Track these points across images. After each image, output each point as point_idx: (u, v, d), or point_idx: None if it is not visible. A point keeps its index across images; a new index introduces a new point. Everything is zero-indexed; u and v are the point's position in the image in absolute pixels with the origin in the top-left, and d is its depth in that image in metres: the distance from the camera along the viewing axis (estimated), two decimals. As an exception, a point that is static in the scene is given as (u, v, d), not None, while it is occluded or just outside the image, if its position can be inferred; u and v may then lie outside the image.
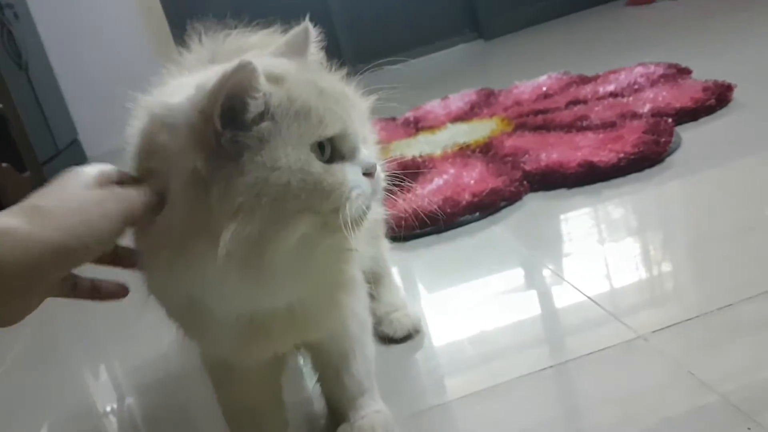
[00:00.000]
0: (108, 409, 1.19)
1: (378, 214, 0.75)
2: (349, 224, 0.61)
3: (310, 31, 0.70)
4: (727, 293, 0.99)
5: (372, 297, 1.04)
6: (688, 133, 1.67)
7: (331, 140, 0.61)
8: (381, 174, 0.66)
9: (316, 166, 0.60)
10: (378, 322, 1.08)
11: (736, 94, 1.79)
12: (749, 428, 0.74)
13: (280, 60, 0.66)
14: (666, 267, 1.18)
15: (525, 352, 0.99)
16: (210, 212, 0.58)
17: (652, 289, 1.11)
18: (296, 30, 0.71)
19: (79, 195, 0.58)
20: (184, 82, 0.64)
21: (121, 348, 1.38)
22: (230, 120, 0.58)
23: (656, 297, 1.09)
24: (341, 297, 0.75)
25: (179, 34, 0.93)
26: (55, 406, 1.21)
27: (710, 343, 0.91)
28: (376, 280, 1.06)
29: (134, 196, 0.61)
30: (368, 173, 0.64)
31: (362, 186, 0.63)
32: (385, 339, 1.08)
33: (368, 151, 0.66)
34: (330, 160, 0.62)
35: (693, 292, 1.09)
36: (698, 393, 0.81)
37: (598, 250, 1.27)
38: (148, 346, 1.30)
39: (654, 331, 0.95)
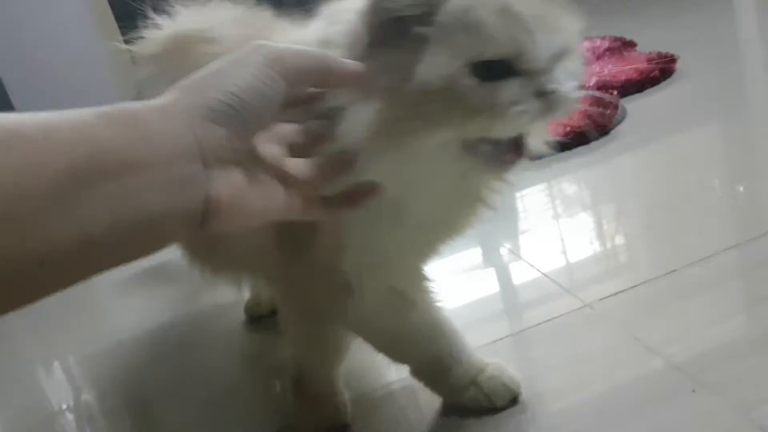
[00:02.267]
0: (62, 401, 1.17)
1: None
2: (502, 131, 0.59)
3: None
4: (672, 259, 1.03)
5: None
6: (633, 105, 1.71)
7: (503, 61, 0.57)
8: (567, 95, 0.59)
9: (466, 80, 0.56)
10: None
11: (679, 65, 1.83)
12: (693, 390, 0.77)
13: None
14: (616, 239, 1.21)
15: (485, 325, 1.01)
16: (371, 88, 0.58)
17: (603, 261, 1.15)
18: None
19: None
20: None
21: (72, 336, 1.35)
22: (394, 10, 0.57)
23: (606, 268, 1.13)
24: (465, 223, 0.73)
25: (123, 16, 0.90)
26: (5, 399, 1.19)
27: (655, 308, 0.95)
28: None
29: None
30: (542, 95, 0.58)
31: (527, 103, 0.57)
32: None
33: (564, 72, 0.60)
34: (498, 78, 0.57)
35: (640, 260, 1.13)
36: (644, 357, 0.84)
37: (553, 226, 1.30)
38: (102, 333, 1.29)
39: (601, 299, 0.98)
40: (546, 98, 0.58)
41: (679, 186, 1.29)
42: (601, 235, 1.23)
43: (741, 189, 1.28)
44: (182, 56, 0.77)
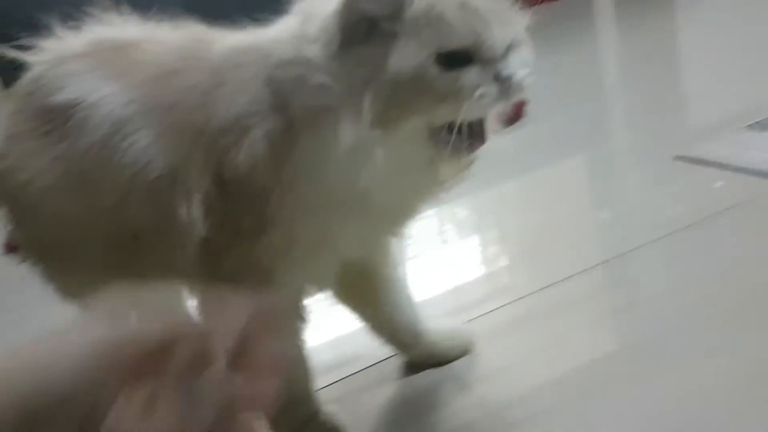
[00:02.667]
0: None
1: None
2: (465, 113, 0.64)
3: None
4: (531, 284, 1.07)
5: None
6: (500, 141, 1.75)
7: (465, 51, 0.64)
8: (521, 81, 0.66)
9: (433, 70, 0.63)
10: None
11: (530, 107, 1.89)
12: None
13: None
14: (493, 264, 1.26)
15: (372, 352, 0.98)
16: (350, 80, 0.64)
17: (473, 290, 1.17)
18: None
19: None
20: None
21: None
22: (365, 10, 0.63)
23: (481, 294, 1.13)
24: (418, 209, 0.77)
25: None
26: None
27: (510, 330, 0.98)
28: None
29: None
30: (500, 80, 0.65)
31: (487, 88, 0.65)
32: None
33: (517, 59, 0.67)
34: (461, 67, 0.64)
35: (512, 284, 1.17)
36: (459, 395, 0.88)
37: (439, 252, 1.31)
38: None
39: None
40: (503, 82, 0.65)
41: (550, 213, 1.32)
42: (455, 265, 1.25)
43: (613, 198, 1.36)
44: (120, 55, 0.77)
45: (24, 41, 0.83)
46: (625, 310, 0.95)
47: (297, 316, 0.78)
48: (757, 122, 1.39)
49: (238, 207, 0.69)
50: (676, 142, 1.41)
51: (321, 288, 0.81)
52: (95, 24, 0.82)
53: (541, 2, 0.76)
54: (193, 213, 0.69)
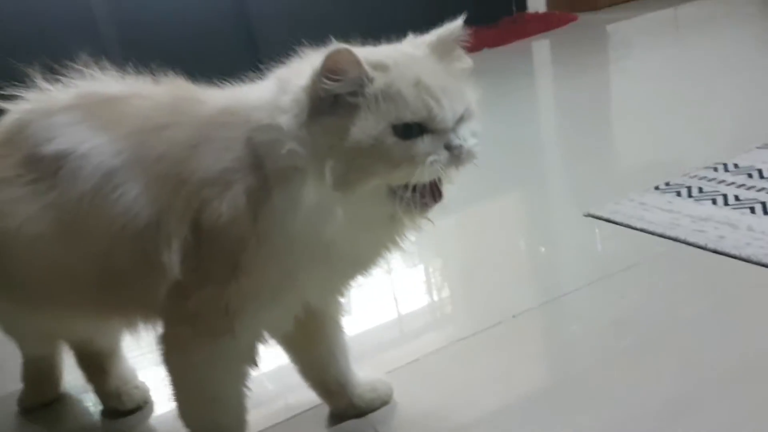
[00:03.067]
0: None
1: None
2: (419, 179, 0.72)
3: (457, 30, 0.79)
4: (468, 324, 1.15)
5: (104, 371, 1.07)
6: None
7: (419, 125, 0.71)
8: (470, 149, 0.74)
9: (390, 139, 0.70)
10: (106, 397, 1.08)
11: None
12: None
13: (405, 52, 0.77)
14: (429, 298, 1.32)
15: (297, 401, 1.02)
16: (315, 146, 0.71)
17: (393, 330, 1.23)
18: (448, 26, 0.79)
19: None
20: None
21: None
22: (332, 85, 0.70)
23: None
24: (381, 259, 0.83)
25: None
26: None
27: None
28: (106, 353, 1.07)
29: None
30: (450, 149, 0.72)
31: (439, 155, 0.72)
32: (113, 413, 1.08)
33: (467, 130, 0.75)
34: (414, 137, 0.71)
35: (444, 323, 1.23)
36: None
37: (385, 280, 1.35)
38: None
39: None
40: (453, 151, 0.73)
41: (489, 248, 1.42)
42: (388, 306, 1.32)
43: (542, 249, 1.43)
44: (107, 107, 0.82)
45: (5, 90, 0.88)
46: (535, 358, 1.03)
47: (250, 360, 0.83)
48: (665, 184, 1.50)
49: (213, 254, 0.75)
50: (589, 199, 1.51)
51: (278, 332, 0.86)
52: (78, 77, 0.87)
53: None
54: (172, 258, 0.75)
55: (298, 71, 0.75)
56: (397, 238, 0.81)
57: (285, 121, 0.72)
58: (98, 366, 1.06)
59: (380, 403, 0.98)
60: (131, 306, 0.85)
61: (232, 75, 0.85)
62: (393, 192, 0.73)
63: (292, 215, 0.73)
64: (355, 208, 0.73)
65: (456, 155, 0.72)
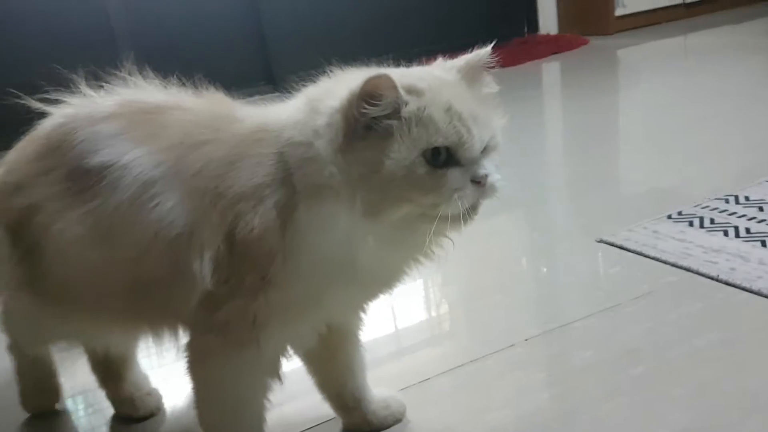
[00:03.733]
0: None
1: None
2: (447, 219, 0.74)
3: (486, 56, 0.81)
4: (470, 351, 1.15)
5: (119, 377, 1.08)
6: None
7: (447, 149, 0.74)
8: (494, 183, 0.76)
9: (422, 168, 0.73)
10: (119, 403, 1.09)
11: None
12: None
13: (437, 76, 0.79)
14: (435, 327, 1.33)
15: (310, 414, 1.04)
16: (349, 174, 0.73)
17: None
18: (477, 52, 0.82)
19: None
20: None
21: None
22: (365, 110, 0.72)
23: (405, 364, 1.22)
24: (405, 276, 0.85)
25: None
26: None
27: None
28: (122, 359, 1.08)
29: None
30: (476, 181, 0.75)
31: (465, 191, 0.74)
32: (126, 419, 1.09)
33: (491, 162, 0.77)
34: (444, 165, 0.74)
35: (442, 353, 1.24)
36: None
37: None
38: None
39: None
40: (479, 185, 0.75)
41: (502, 271, 1.43)
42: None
43: (555, 274, 1.45)
44: (149, 118, 0.85)
45: (50, 94, 0.91)
46: (546, 383, 1.04)
47: (273, 373, 0.84)
48: (678, 213, 1.52)
49: (244, 266, 0.77)
50: (601, 225, 1.53)
51: (301, 347, 0.88)
52: (122, 86, 0.89)
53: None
54: (204, 268, 0.77)
55: (329, 91, 0.77)
56: (423, 256, 0.82)
57: (321, 145, 0.74)
58: (113, 371, 1.07)
59: (393, 420, 0.99)
60: (159, 314, 0.86)
61: (244, 83, 0.87)
62: (422, 214, 0.75)
63: (319, 235, 0.75)
64: (383, 232, 0.75)
65: (481, 187, 0.75)
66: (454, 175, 0.74)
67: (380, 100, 0.71)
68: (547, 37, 4.10)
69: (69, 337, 1.00)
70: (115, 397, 1.08)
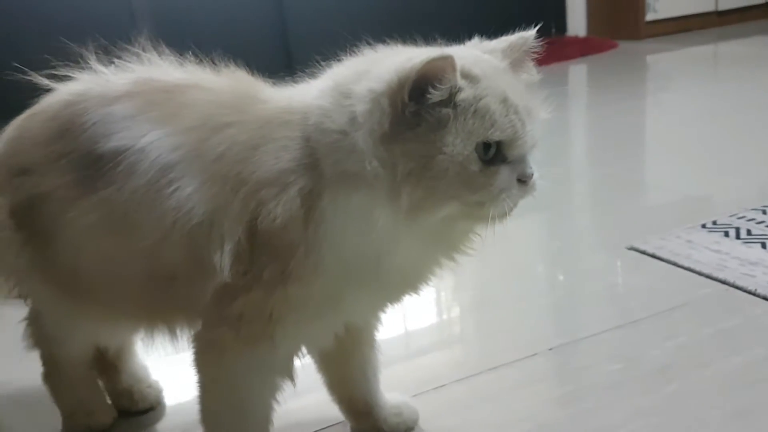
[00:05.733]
0: None
1: None
2: (489, 219, 0.69)
3: (530, 39, 0.75)
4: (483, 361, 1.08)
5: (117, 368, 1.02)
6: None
7: (498, 143, 0.68)
8: (535, 182, 0.71)
9: (475, 165, 0.67)
10: (117, 395, 1.03)
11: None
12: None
13: (488, 61, 0.72)
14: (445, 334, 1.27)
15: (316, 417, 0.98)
16: (394, 168, 0.66)
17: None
18: (521, 35, 0.76)
19: None
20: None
21: None
22: (418, 96, 0.65)
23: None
24: (437, 273, 0.79)
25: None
26: None
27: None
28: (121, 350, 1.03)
29: None
30: (522, 180, 0.70)
31: (511, 191, 0.69)
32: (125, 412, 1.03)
33: (532, 161, 0.72)
34: (492, 160, 0.68)
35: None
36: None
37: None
38: None
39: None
40: (524, 184, 0.70)
41: (529, 277, 1.38)
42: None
43: (570, 277, 1.39)
44: (167, 98, 0.78)
45: (59, 70, 0.84)
46: (570, 397, 0.97)
47: (285, 373, 0.78)
48: (713, 223, 1.44)
49: (265, 257, 0.71)
50: (631, 232, 1.45)
51: (316, 348, 0.82)
52: (135, 62, 0.83)
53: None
54: (224, 259, 0.71)
55: (365, 73, 0.70)
56: (455, 256, 0.76)
57: (361, 136, 0.67)
58: (111, 363, 1.01)
59: (405, 429, 0.92)
60: (175, 308, 0.80)
61: (263, 67, 0.81)
62: (464, 213, 0.70)
63: (346, 228, 0.69)
64: (422, 228, 0.69)
65: (525, 189, 0.70)
66: (504, 173, 0.68)
67: (440, 85, 0.65)
68: (576, 39, 4.03)
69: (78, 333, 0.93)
70: (112, 389, 1.02)
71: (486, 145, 0.67)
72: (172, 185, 0.72)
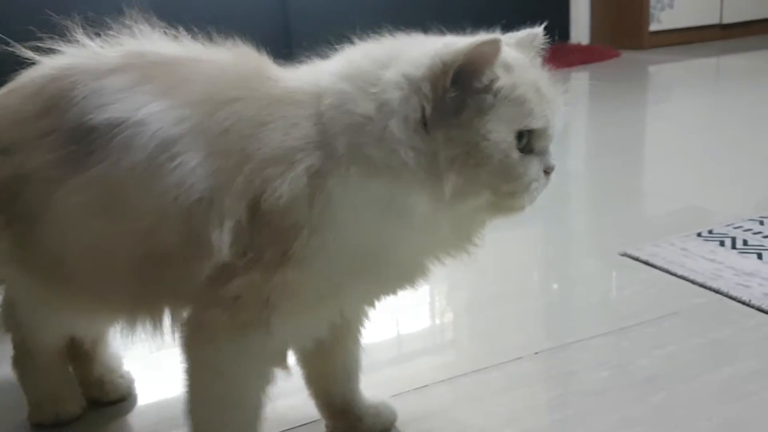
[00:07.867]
0: None
1: None
2: (517, 210, 0.70)
3: (538, 36, 0.76)
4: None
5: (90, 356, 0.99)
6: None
7: (530, 133, 0.68)
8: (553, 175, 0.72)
9: (515, 153, 0.67)
10: (88, 385, 1.00)
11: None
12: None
13: (516, 52, 0.72)
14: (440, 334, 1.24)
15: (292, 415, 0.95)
16: (434, 156, 0.65)
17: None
18: (529, 31, 0.76)
19: None
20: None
21: None
22: (461, 81, 0.65)
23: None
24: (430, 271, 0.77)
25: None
26: None
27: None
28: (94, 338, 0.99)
29: None
30: (547, 172, 0.71)
31: (540, 182, 0.70)
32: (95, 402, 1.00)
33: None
34: (523, 150, 0.68)
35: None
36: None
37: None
38: None
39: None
40: (548, 174, 0.71)
41: (517, 281, 1.35)
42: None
43: (561, 281, 1.37)
44: (166, 70, 0.75)
45: (44, 43, 0.80)
46: (555, 403, 0.95)
47: (278, 362, 0.75)
48: (708, 232, 1.42)
49: (266, 238, 0.68)
50: (626, 239, 1.42)
51: (310, 338, 0.78)
52: (126, 35, 0.79)
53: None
54: (223, 238, 0.67)
55: (383, 59, 0.68)
56: (467, 248, 0.75)
57: (395, 124, 0.65)
58: (83, 351, 0.97)
59: (381, 428, 0.89)
60: (161, 295, 0.76)
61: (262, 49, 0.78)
62: (492, 203, 0.69)
63: (355, 212, 0.67)
64: (449, 219, 0.69)
65: (548, 179, 0.71)
66: (535, 163, 0.69)
67: (487, 70, 0.65)
68: (578, 47, 4.01)
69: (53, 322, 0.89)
70: (83, 378, 0.98)
71: (520, 134, 0.67)
72: (175, 160, 0.68)
